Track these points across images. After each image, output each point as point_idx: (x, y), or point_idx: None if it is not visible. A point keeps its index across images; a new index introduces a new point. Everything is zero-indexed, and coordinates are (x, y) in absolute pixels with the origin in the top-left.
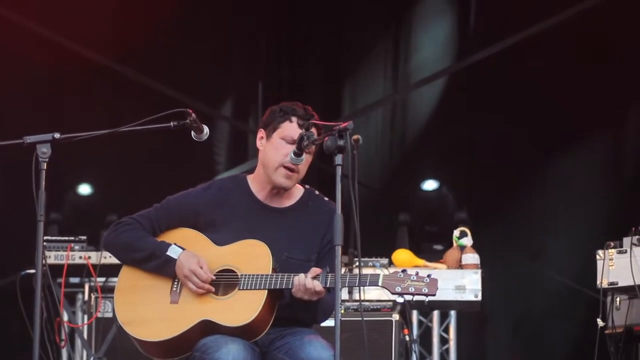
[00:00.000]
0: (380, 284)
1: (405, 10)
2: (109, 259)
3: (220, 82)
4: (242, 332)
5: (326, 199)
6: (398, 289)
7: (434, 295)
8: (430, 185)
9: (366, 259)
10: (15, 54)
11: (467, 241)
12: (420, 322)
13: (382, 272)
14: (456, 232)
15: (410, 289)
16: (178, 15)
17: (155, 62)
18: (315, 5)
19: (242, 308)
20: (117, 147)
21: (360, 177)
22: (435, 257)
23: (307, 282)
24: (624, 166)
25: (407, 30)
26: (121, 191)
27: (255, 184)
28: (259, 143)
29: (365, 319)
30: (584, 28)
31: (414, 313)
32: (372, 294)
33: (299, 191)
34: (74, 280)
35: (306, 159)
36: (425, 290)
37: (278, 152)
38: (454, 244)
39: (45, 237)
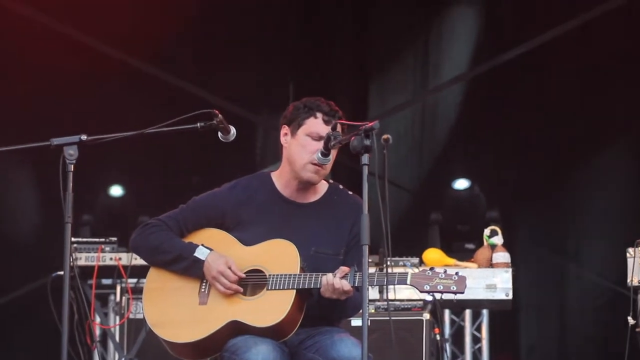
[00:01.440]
0: (408, 282)
1: (436, 9)
2: (139, 260)
3: (250, 83)
4: (272, 333)
5: (350, 192)
6: (426, 287)
7: (463, 292)
8: (461, 184)
9: (397, 258)
10: (46, 57)
11: (498, 240)
12: (452, 322)
13: (412, 270)
14: (487, 231)
15: (438, 287)
16: (206, 14)
17: (185, 63)
18: (345, 3)
19: (271, 308)
20: (149, 148)
21: (390, 177)
22: (467, 256)
23: (335, 281)
24: None
25: (437, 30)
26: (153, 192)
27: (280, 180)
28: (283, 140)
29: (395, 318)
30: (614, 26)
31: (446, 312)
32: (403, 293)
33: (323, 186)
34: (107, 281)
35: (332, 154)
36: (453, 287)
37: (305, 149)
38: (485, 243)
39: (76, 239)
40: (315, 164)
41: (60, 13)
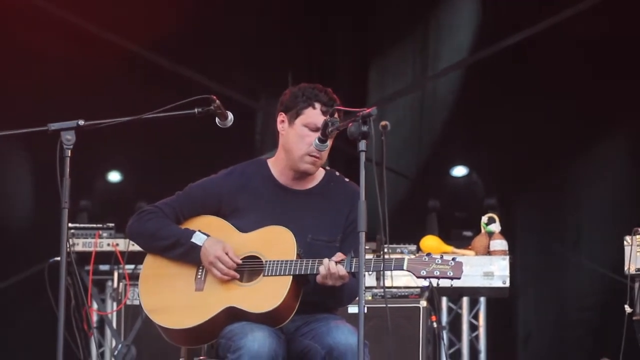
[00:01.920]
0: (405, 267)
1: None
2: (137, 246)
3: (249, 70)
4: (268, 319)
5: (347, 179)
6: (423, 273)
7: (459, 278)
8: (459, 171)
9: (394, 245)
10: (44, 43)
11: (495, 227)
12: (449, 309)
13: (409, 257)
14: (484, 219)
15: (435, 273)
16: (207, 2)
17: (186, 49)
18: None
19: (267, 294)
20: (147, 133)
21: (389, 164)
22: (465, 243)
23: (331, 266)
24: None
25: (436, 16)
26: (151, 178)
27: (277, 167)
28: (280, 127)
29: (392, 305)
30: (614, 13)
31: (444, 300)
32: (401, 280)
33: (320, 173)
34: (104, 267)
35: (329, 141)
36: (450, 273)
37: (302, 140)
38: (482, 230)
39: (73, 225)
40: (312, 155)
41: None
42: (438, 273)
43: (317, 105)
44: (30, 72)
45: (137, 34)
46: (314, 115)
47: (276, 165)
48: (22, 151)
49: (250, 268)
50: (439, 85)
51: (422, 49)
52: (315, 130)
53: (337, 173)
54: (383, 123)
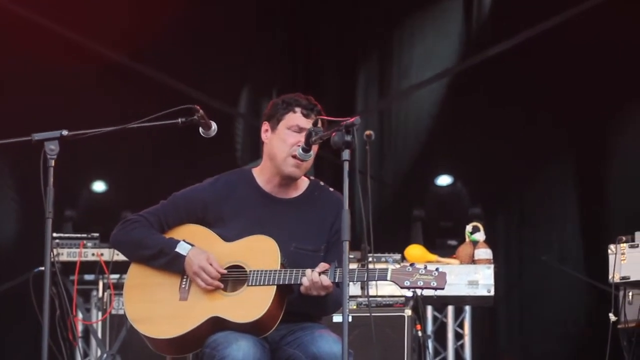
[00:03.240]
0: (388, 278)
1: (417, 5)
2: (122, 256)
3: (234, 79)
4: (252, 328)
5: (332, 189)
6: (407, 283)
7: (443, 288)
8: (444, 180)
9: (379, 254)
10: (29, 52)
11: (480, 236)
12: (435, 318)
13: (393, 266)
14: (469, 227)
15: (419, 283)
16: (192, 12)
17: (170, 58)
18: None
19: (251, 304)
20: (132, 144)
21: (373, 173)
22: (450, 252)
23: (314, 276)
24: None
25: (420, 25)
26: (136, 188)
27: (262, 176)
28: (264, 136)
29: (376, 314)
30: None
31: (429, 309)
32: (386, 289)
33: (304, 183)
34: (89, 277)
35: (313, 150)
36: (433, 283)
37: (285, 142)
38: (467, 239)
39: (57, 235)
40: (295, 157)
41: (41, 6)
42: (422, 283)
43: (298, 109)
44: (15, 81)
45: (121, 43)
46: (295, 118)
47: (261, 174)
48: (3, 161)
49: (234, 277)
50: (423, 94)
51: (407, 57)
52: (299, 131)
53: (322, 183)
54: (367, 132)
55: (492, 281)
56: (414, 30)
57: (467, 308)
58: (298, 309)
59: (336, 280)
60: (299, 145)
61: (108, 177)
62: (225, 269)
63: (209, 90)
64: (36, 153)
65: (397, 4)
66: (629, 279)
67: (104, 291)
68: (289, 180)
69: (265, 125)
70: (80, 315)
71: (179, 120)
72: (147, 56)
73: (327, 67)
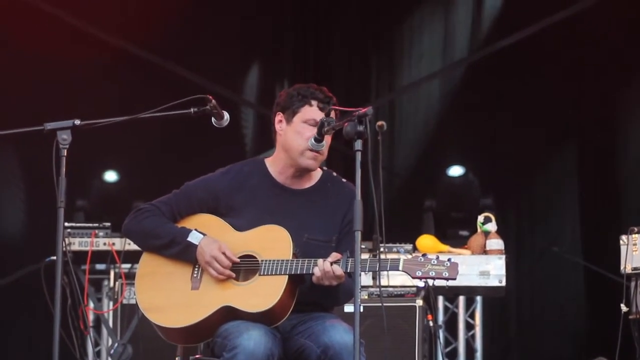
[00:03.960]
0: (400, 268)
1: None
2: (133, 245)
3: (245, 67)
4: (264, 318)
5: (344, 180)
6: (419, 273)
7: (455, 279)
8: (456, 171)
9: (390, 244)
10: (35, 41)
11: (492, 227)
12: (446, 308)
13: (405, 257)
14: (480, 218)
15: (430, 273)
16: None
17: (180, 47)
18: None
19: (263, 294)
20: (143, 133)
21: (385, 163)
22: (461, 243)
23: (325, 266)
24: None
25: (430, 16)
26: (147, 178)
27: (274, 167)
28: (278, 127)
29: (388, 304)
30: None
31: (440, 299)
32: (397, 279)
33: (317, 173)
34: (100, 266)
35: (327, 140)
36: (445, 274)
37: (302, 135)
38: (478, 230)
39: (69, 224)
40: (313, 150)
41: None
42: (434, 274)
43: (314, 102)
44: (23, 71)
45: (128, 32)
46: (312, 111)
47: (274, 164)
48: (11, 151)
49: (246, 267)
50: (435, 85)
51: (419, 49)
52: (315, 125)
53: (334, 173)
54: (380, 123)
55: (503, 272)
56: (424, 21)
57: (478, 298)
58: (310, 298)
59: (348, 270)
60: None
61: (120, 166)
62: (237, 258)
63: (217, 79)
64: (44, 142)
65: None
66: None
67: (115, 281)
68: (304, 172)
69: (279, 116)
70: (91, 305)
71: (192, 110)
72: (159, 45)
73: (338, 57)
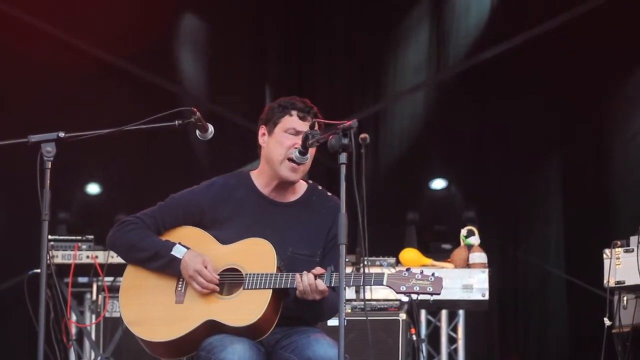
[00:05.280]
0: (384, 283)
1: (409, 6)
2: (116, 258)
3: (228, 80)
4: (248, 332)
5: (329, 194)
6: (403, 288)
7: (439, 294)
8: (438, 184)
9: (374, 258)
10: (22, 53)
11: (475, 240)
12: (428, 322)
13: (388, 271)
14: (463, 231)
15: (414, 288)
16: (184, 14)
17: (163, 60)
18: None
19: (247, 308)
20: (126, 146)
21: (367, 176)
22: (444, 256)
23: (309, 280)
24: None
25: (416, 28)
26: (130, 190)
27: (259, 179)
28: (261, 140)
29: (371, 318)
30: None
31: (422, 312)
32: (380, 293)
33: (302, 186)
34: (83, 279)
35: (310, 153)
36: (429, 289)
37: (282, 145)
38: (462, 243)
39: (52, 237)
40: (291, 160)
41: (36, 8)
42: (418, 289)
43: (294, 112)
44: (6, 82)
45: (113, 44)
46: (292, 121)
47: (259, 177)
48: None
49: (230, 280)
50: (417, 97)
51: (401, 61)
52: (295, 133)
53: (320, 187)
54: (363, 135)
55: (486, 285)
56: (409, 33)
57: (461, 312)
58: (294, 313)
59: (332, 284)
60: (296, 148)
61: (102, 179)
62: (222, 271)
63: (205, 93)
64: (27, 154)
65: (393, 6)
66: (623, 283)
67: (98, 294)
68: (286, 184)
69: (262, 129)
70: (74, 318)
71: (176, 122)
72: (143, 58)
73: (321, 70)
